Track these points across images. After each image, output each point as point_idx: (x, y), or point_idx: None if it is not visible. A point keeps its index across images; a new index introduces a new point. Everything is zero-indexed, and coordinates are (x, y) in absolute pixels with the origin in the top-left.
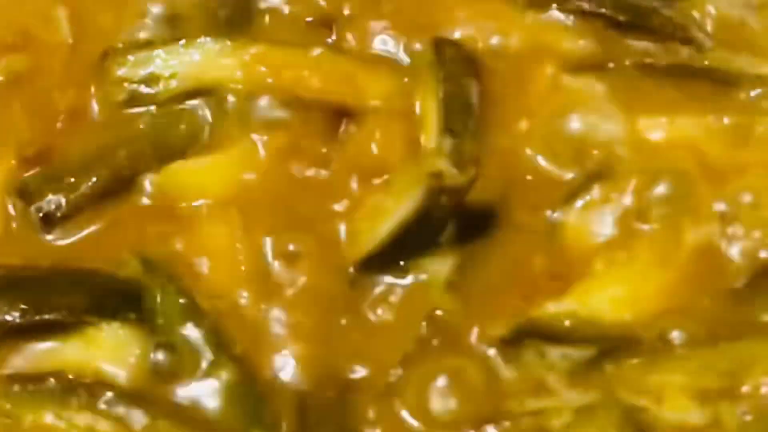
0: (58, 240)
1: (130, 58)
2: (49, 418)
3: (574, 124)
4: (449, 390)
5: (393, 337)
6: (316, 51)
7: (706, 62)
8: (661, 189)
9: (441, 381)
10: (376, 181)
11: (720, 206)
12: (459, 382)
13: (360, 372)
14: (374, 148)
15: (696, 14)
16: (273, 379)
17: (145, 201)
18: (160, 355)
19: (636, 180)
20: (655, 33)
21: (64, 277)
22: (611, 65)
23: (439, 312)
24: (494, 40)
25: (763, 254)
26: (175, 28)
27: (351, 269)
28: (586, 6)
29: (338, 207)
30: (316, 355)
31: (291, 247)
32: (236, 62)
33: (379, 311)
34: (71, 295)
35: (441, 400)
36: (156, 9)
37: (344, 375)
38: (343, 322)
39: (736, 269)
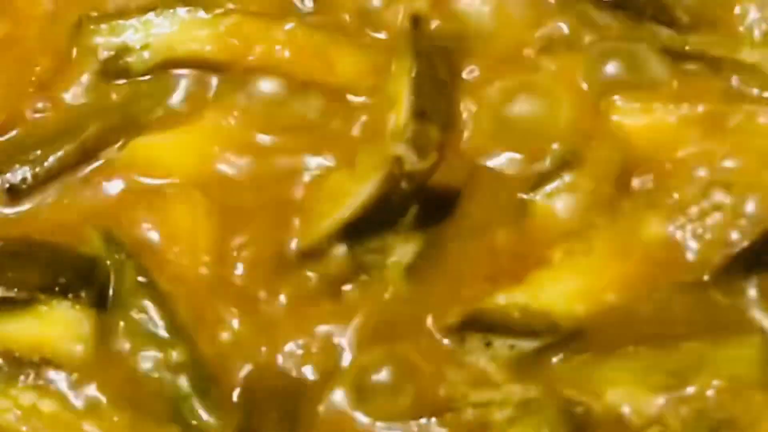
0: (22, 212)
1: (103, 27)
2: None
3: (545, 107)
4: (393, 380)
5: (347, 323)
6: (289, 25)
7: (687, 47)
8: (627, 179)
9: (385, 370)
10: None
11: (686, 198)
12: (403, 371)
13: (307, 358)
14: (342, 127)
15: None
16: (221, 361)
17: (111, 176)
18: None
19: (603, 169)
20: (638, 13)
21: (19, 251)
22: (588, 45)
23: (395, 297)
24: (470, 17)
25: (724, 250)
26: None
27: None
28: None
29: (302, 189)
30: (264, 339)
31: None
32: (210, 34)
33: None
34: (25, 271)
35: (384, 390)
36: None
37: (292, 360)
38: (294, 305)
39: (697, 264)
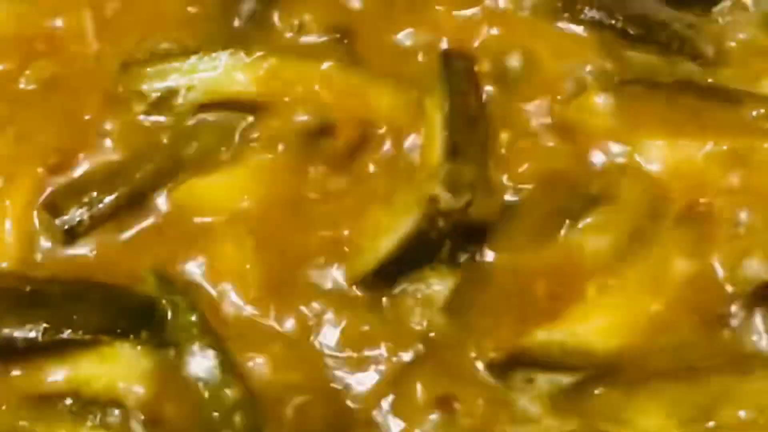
0: (79, 253)
1: (149, 70)
2: None
3: (577, 144)
4: (438, 414)
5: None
6: (326, 65)
7: (710, 79)
8: (657, 215)
9: (428, 404)
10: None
11: (715, 233)
12: (445, 406)
13: (354, 392)
14: (380, 167)
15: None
16: (276, 397)
17: (162, 216)
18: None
19: (634, 205)
20: (662, 46)
21: (82, 294)
22: (617, 81)
23: (432, 334)
24: (503, 53)
25: (754, 280)
26: (193, 39)
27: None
28: (597, 17)
29: (347, 226)
30: (314, 375)
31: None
32: (251, 76)
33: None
34: (89, 314)
35: (429, 425)
36: (176, 18)
37: (339, 394)
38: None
39: (727, 296)
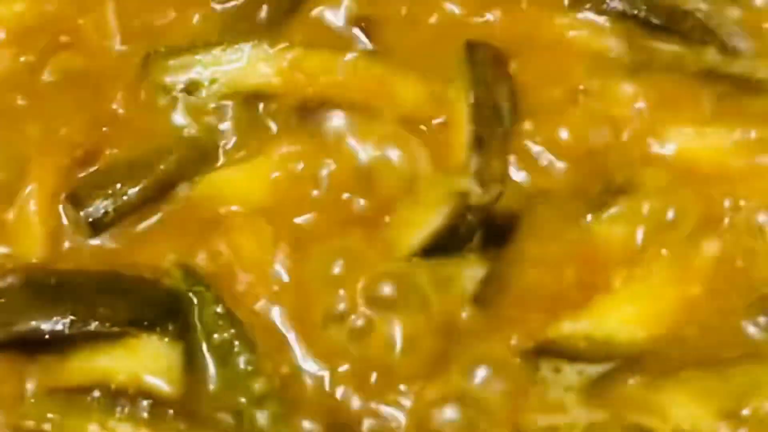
0: (104, 244)
1: (171, 62)
2: (93, 428)
3: (602, 133)
4: (461, 406)
5: (416, 349)
6: (350, 56)
7: (734, 68)
8: (683, 204)
9: (452, 397)
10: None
11: (741, 222)
12: (472, 397)
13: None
14: (405, 159)
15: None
16: (304, 388)
17: (185, 208)
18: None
19: (660, 195)
20: (685, 36)
21: (109, 286)
22: (641, 70)
23: (463, 320)
24: (526, 42)
25: None
26: (218, 30)
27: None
28: (620, 7)
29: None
30: (340, 366)
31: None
32: (275, 68)
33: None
34: (115, 307)
35: (453, 415)
36: (200, 11)
37: (369, 387)
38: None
39: (752, 287)
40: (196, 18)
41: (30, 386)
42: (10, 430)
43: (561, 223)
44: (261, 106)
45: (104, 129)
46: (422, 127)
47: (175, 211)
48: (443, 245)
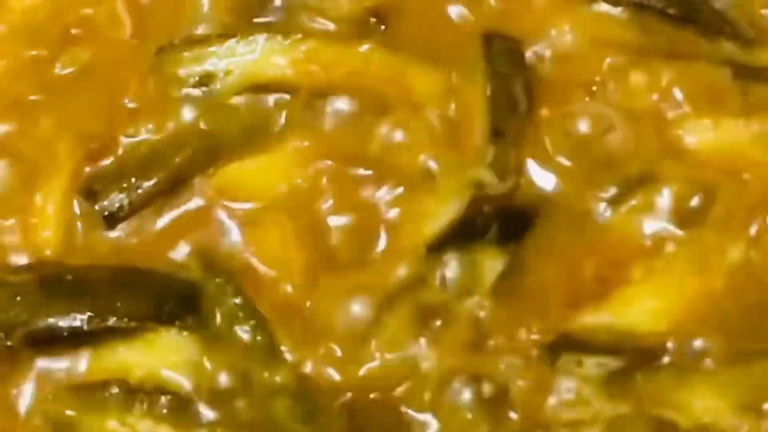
0: (119, 238)
1: (185, 54)
2: (112, 424)
3: (620, 125)
4: (481, 397)
5: (439, 342)
6: (365, 47)
7: (753, 59)
8: (702, 196)
9: (480, 387)
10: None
11: (760, 215)
12: (497, 389)
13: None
14: (420, 147)
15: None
16: (323, 382)
17: (201, 201)
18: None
19: (678, 187)
20: (703, 27)
21: (126, 280)
22: (658, 61)
23: (482, 314)
24: (543, 34)
25: None
26: (231, 20)
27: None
28: None
29: (385, 210)
30: (361, 359)
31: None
32: (289, 59)
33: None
34: (133, 302)
35: (470, 406)
36: (213, 2)
37: (389, 381)
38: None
39: None
40: (206, 8)
41: (48, 383)
42: (29, 427)
43: (579, 215)
44: (275, 97)
45: (118, 122)
46: (438, 118)
47: (192, 204)
48: (460, 237)
